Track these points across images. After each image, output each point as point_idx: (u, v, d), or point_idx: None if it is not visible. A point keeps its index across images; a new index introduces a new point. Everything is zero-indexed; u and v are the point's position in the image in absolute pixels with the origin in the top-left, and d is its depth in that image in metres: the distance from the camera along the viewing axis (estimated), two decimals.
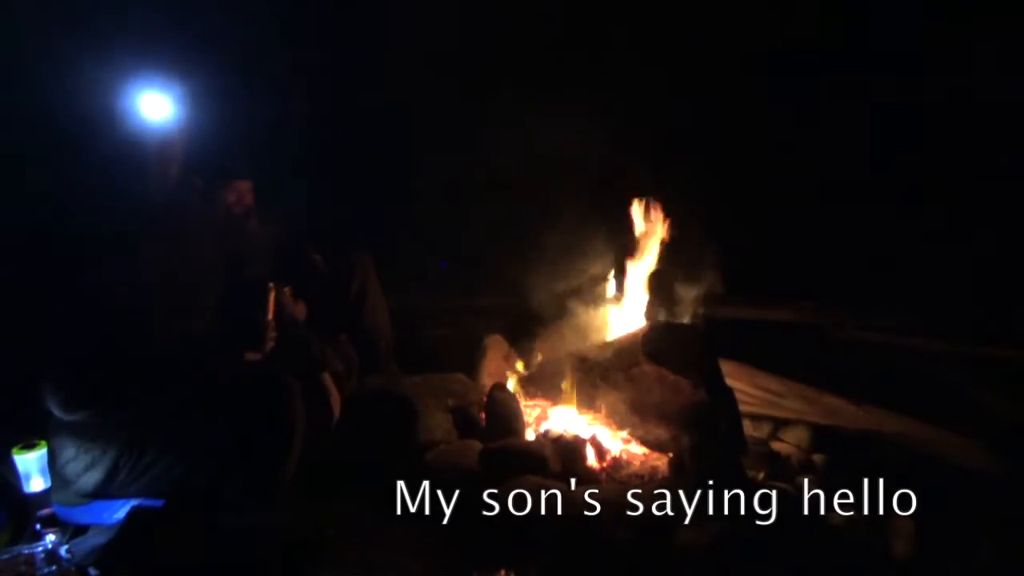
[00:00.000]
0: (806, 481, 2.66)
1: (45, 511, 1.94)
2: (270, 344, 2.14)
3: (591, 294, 3.70)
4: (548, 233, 3.74)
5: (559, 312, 3.85)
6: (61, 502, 2.07)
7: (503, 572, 2.06)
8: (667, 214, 3.39)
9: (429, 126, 4.87)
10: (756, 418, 3.16)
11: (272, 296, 2.14)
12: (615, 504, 2.33)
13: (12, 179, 2.58)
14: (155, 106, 2.09)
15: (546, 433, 2.92)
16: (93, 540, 2.03)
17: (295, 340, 2.27)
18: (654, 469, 2.73)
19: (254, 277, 2.16)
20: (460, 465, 2.59)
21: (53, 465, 2.05)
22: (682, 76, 4.44)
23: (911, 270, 4.37)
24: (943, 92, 4.59)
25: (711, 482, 2.42)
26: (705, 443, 2.58)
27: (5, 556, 1.82)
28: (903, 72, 4.65)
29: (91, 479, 2.02)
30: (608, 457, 2.78)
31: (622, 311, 3.53)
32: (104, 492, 2.04)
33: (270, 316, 2.12)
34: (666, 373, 2.81)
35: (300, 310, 2.51)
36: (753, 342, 3.63)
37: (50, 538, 1.88)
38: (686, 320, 3.19)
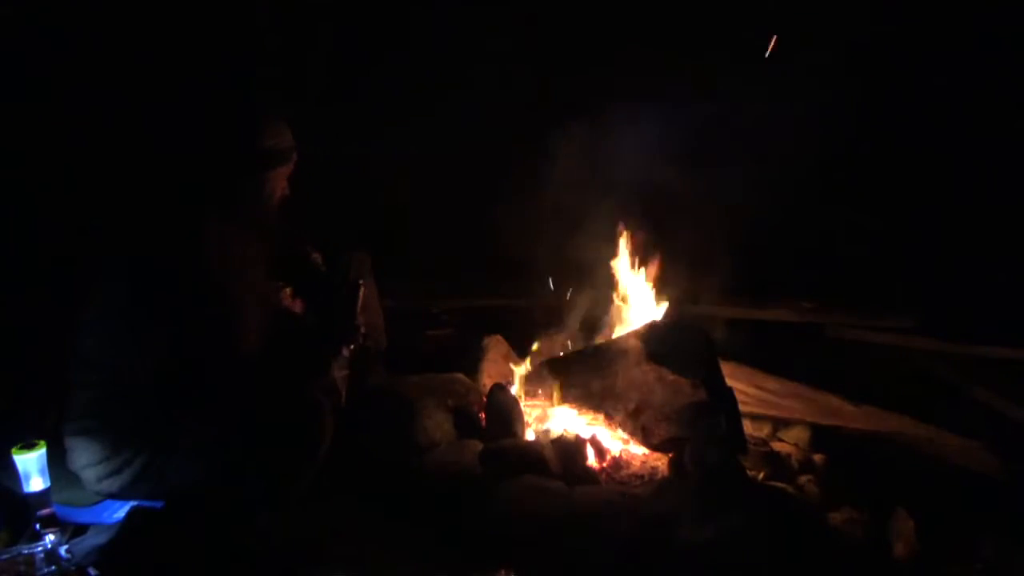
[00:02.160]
0: (806, 481, 2.66)
1: (45, 511, 1.93)
2: (360, 340, 2.18)
3: (594, 293, 3.71)
4: (552, 234, 3.74)
5: (561, 312, 3.86)
6: (69, 500, 2.06)
7: (503, 572, 2.06)
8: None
9: (432, 123, 4.87)
10: (756, 418, 3.16)
11: (362, 294, 2.17)
12: (615, 504, 2.33)
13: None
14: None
15: (546, 433, 2.92)
16: (93, 540, 2.03)
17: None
18: (654, 469, 2.73)
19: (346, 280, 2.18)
20: (460, 465, 2.59)
21: (63, 465, 2.04)
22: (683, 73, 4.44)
23: (911, 270, 4.37)
24: (943, 89, 4.59)
25: (711, 482, 2.42)
26: (705, 443, 2.58)
27: (4, 556, 1.81)
28: (902, 69, 4.65)
29: (115, 484, 2.00)
30: (608, 457, 2.78)
31: (624, 310, 3.54)
32: (123, 495, 2.04)
33: (358, 311, 2.16)
34: (666, 373, 2.81)
35: (298, 308, 2.51)
36: (753, 342, 3.63)
37: (50, 538, 1.87)
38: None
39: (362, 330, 2.15)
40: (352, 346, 2.17)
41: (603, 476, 2.67)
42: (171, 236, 1.94)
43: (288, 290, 2.48)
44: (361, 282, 2.19)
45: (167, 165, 2.16)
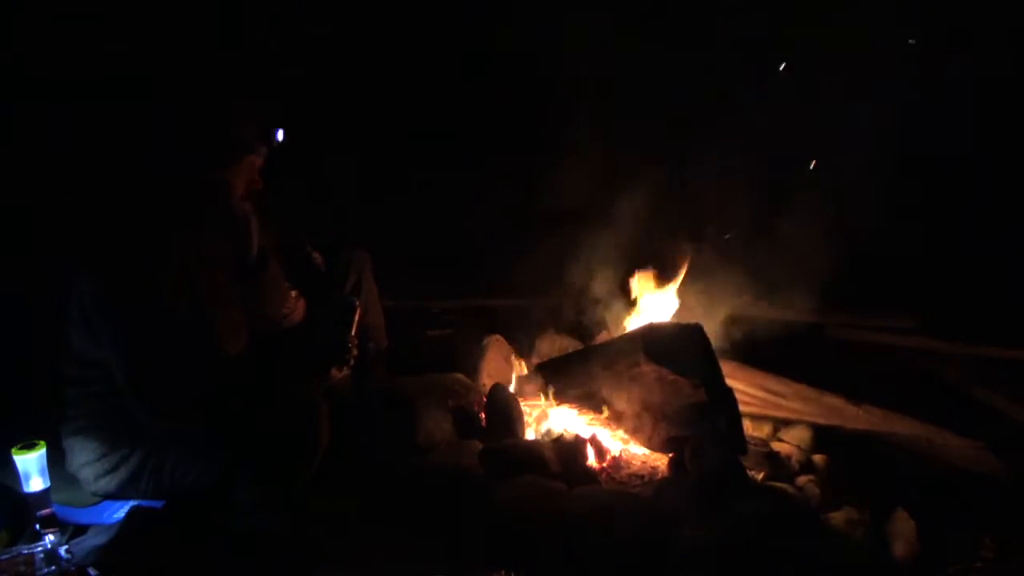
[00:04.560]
0: (806, 481, 2.66)
1: (45, 511, 1.93)
2: (352, 361, 2.14)
3: (595, 294, 3.71)
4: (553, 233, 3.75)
5: (562, 312, 3.86)
6: (69, 500, 2.06)
7: (503, 572, 2.06)
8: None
9: (430, 122, 4.87)
10: (756, 418, 3.16)
11: (357, 314, 2.14)
12: (615, 504, 2.33)
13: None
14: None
15: (546, 433, 2.92)
16: (93, 540, 2.03)
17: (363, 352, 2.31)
18: (654, 469, 2.73)
19: (340, 297, 2.16)
20: (460, 465, 2.59)
21: (63, 466, 2.04)
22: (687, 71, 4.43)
23: (911, 270, 4.37)
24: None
25: (711, 482, 2.42)
26: (705, 443, 2.58)
27: (4, 556, 1.81)
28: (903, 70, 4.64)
29: (112, 482, 2.01)
30: (608, 457, 2.78)
31: (629, 311, 3.55)
32: (121, 494, 2.04)
33: (353, 333, 2.13)
34: (666, 373, 2.81)
35: (300, 309, 2.51)
36: (753, 342, 3.63)
37: (49, 538, 1.88)
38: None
39: (355, 352, 2.13)
40: (344, 369, 2.14)
41: (603, 476, 2.67)
42: (130, 241, 1.91)
43: (295, 292, 2.48)
44: (358, 301, 2.16)
45: (128, 165, 2.14)
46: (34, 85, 3.19)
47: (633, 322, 3.52)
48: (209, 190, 2.01)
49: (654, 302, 3.50)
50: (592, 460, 2.73)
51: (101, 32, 3.36)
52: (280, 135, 2.20)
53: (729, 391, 2.80)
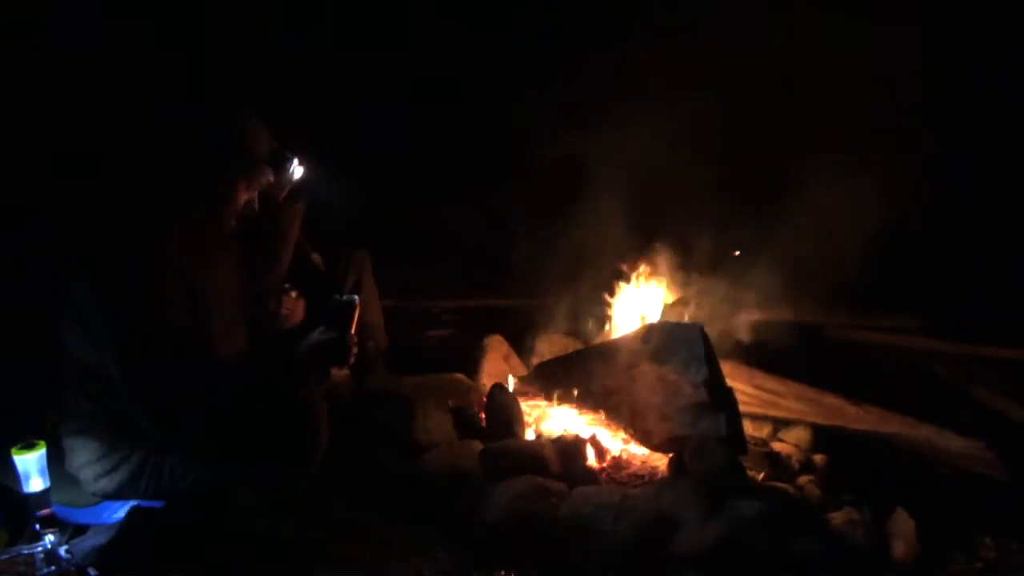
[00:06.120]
0: (806, 481, 2.66)
1: (44, 511, 1.93)
2: (352, 360, 2.13)
3: (595, 295, 3.72)
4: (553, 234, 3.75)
5: (561, 312, 3.86)
6: (69, 500, 2.06)
7: (503, 572, 2.06)
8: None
9: (433, 123, 4.87)
10: (756, 418, 3.16)
11: (357, 313, 2.13)
12: (615, 504, 2.33)
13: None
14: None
15: (546, 433, 2.92)
16: (93, 540, 2.03)
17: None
18: (654, 469, 2.73)
19: (340, 296, 2.15)
20: (460, 465, 2.59)
21: (63, 466, 2.04)
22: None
23: (912, 270, 4.37)
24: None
25: (711, 482, 2.42)
26: (705, 443, 2.58)
27: (4, 556, 1.82)
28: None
29: (112, 482, 2.00)
30: (608, 457, 2.78)
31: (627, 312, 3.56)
32: (121, 494, 2.04)
33: (353, 332, 2.12)
34: (666, 373, 2.80)
35: (300, 309, 2.51)
36: (753, 342, 3.63)
37: (49, 538, 1.88)
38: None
39: (355, 351, 2.13)
40: (344, 368, 2.14)
41: (603, 476, 2.67)
42: (130, 239, 1.90)
43: (295, 293, 2.48)
44: (358, 299, 2.16)
45: (139, 164, 2.13)
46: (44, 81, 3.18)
47: (630, 316, 3.53)
48: (212, 195, 2.02)
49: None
50: (592, 460, 2.73)
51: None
52: (296, 168, 2.24)
53: (729, 391, 2.80)
